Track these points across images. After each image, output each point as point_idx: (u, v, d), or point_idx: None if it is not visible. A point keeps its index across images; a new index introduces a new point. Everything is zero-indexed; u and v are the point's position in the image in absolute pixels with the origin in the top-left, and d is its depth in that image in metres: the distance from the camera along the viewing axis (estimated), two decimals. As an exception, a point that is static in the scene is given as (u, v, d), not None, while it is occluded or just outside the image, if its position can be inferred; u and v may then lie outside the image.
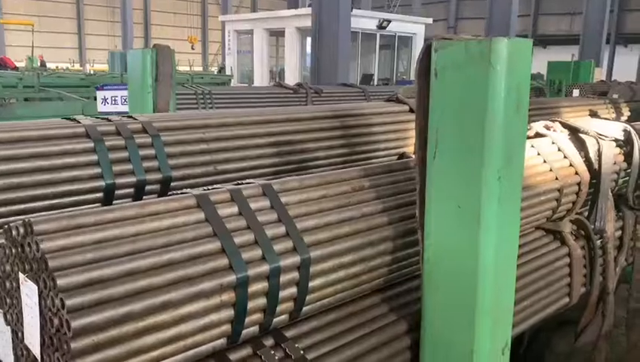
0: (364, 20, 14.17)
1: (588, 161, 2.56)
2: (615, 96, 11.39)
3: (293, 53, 14.19)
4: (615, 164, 2.79)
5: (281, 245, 1.35)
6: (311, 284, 1.40)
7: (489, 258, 1.39)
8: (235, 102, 6.01)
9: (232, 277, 1.23)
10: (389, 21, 14.14)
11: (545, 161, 2.38)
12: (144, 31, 34.30)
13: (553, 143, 2.55)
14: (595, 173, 2.55)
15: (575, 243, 2.40)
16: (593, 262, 2.50)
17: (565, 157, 2.51)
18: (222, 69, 18.01)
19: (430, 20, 15.94)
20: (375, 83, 14.76)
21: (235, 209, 1.35)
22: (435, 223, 1.48)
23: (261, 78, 15.11)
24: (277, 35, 15.64)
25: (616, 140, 2.92)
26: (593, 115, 4.39)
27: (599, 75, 16.20)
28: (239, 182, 1.51)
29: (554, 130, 2.67)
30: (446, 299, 1.48)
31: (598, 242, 2.59)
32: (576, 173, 2.48)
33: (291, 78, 13.86)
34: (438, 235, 1.47)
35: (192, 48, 26.59)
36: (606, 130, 2.92)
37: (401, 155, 2.74)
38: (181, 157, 1.90)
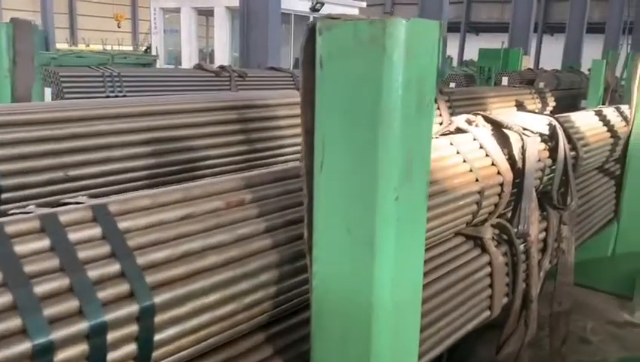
0: (296, 2, 13.75)
1: (511, 159, 2.35)
2: (541, 84, 11.69)
3: (223, 34, 13.58)
4: (540, 161, 2.61)
5: (109, 291, 1.00)
6: (158, 337, 1.07)
7: (385, 293, 1.10)
8: (148, 86, 5.49)
9: (25, 346, 0.88)
10: (323, 3, 13.80)
11: (465, 161, 2.14)
12: (68, 6, 32.13)
13: (475, 140, 2.32)
14: (519, 172, 2.34)
15: (497, 250, 2.19)
16: (516, 269, 2.30)
17: (487, 155, 2.28)
18: (148, 49, 17.06)
19: (364, 4, 15.73)
20: (309, 67, 14.39)
21: (44, 243, 0.99)
22: (322, 248, 1.17)
23: (189, 60, 14.40)
24: (206, 14, 14.94)
25: (540, 135, 2.74)
26: (519, 105, 4.27)
27: (527, 62, 16.62)
28: (64, 201, 1.14)
29: (476, 125, 2.45)
30: (336, 339, 1.19)
31: (522, 246, 2.40)
32: (499, 173, 2.26)
33: (221, 60, 13.28)
34: (326, 263, 1.17)
35: (119, 26, 25.09)
36: (530, 123, 2.73)
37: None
38: (16, 162, 1.49)
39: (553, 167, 2.69)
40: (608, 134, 3.61)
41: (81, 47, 24.15)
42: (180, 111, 1.92)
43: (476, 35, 37.00)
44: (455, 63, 22.72)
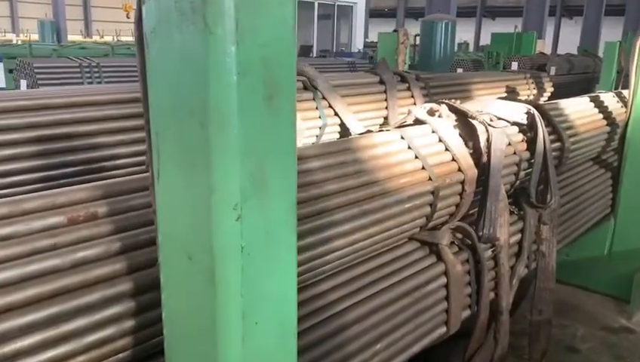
0: (301, -12, 13.42)
1: (477, 154, 2.08)
2: (553, 68, 11.22)
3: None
4: (515, 154, 2.33)
5: None
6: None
7: (233, 337, 0.86)
8: (128, 75, 5.30)
9: None
10: (327, -11, 13.45)
11: (417, 157, 1.88)
12: (82, -1, 32.09)
13: (433, 132, 2.05)
14: (486, 168, 2.07)
15: (454, 258, 1.93)
16: (480, 279, 2.04)
17: (447, 149, 2.02)
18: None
19: (371, -11, 15.31)
20: (314, 55, 14.11)
21: None
22: (166, 276, 0.94)
23: (193, 49, 14.16)
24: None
25: (518, 125, 2.46)
26: (511, 91, 3.96)
27: (542, 47, 16.09)
28: None
29: (439, 115, 2.18)
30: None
31: (489, 252, 2.13)
32: (460, 170, 2.00)
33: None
34: (171, 294, 0.94)
35: (128, 17, 24.98)
36: (507, 112, 2.45)
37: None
38: None
39: (532, 161, 2.41)
40: (604, 122, 3.30)
41: (95, 38, 24.09)
42: (83, 104, 1.69)
43: (492, 19, 36.14)
44: (472, 49, 22.18)
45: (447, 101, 2.22)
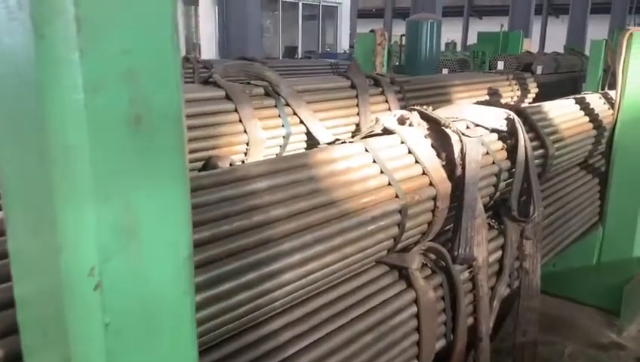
0: (284, -12, 13.24)
1: (451, 166, 1.89)
2: (539, 67, 11.13)
3: (208, 24, 13.09)
4: (494, 163, 2.14)
5: None
6: None
7: None
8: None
9: None
10: (311, -11, 13.26)
11: (382, 172, 1.68)
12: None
13: (402, 143, 1.85)
14: (461, 182, 1.88)
15: (425, 284, 1.73)
16: (456, 304, 1.84)
17: (417, 162, 1.82)
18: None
19: (357, -12, 15.13)
20: (299, 56, 13.92)
21: None
22: (27, 349, 0.73)
23: (176, 52, 13.93)
24: (193, 4, 14.45)
25: (498, 132, 2.27)
26: (493, 93, 3.78)
27: (528, 46, 15.99)
28: None
29: (410, 124, 1.98)
30: None
31: (466, 273, 1.94)
32: (432, 184, 1.80)
33: (207, 51, 12.82)
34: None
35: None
36: (486, 118, 2.26)
37: (206, 163, 1.98)
38: None
39: (513, 170, 2.22)
40: (590, 125, 3.12)
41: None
42: None
43: (480, 19, 36.14)
44: (459, 48, 22.06)
45: (418, 108, 2.03)
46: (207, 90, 2.07)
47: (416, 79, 3.13)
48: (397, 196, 1.66)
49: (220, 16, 9.48)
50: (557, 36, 29.62)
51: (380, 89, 2.79)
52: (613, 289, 3.14)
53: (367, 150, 1.71)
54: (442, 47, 22.47)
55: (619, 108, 3.05)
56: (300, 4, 13.66)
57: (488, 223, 2.23)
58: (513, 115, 2.24)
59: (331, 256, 1.42)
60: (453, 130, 1.88)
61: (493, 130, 2.26)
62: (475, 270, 1.93)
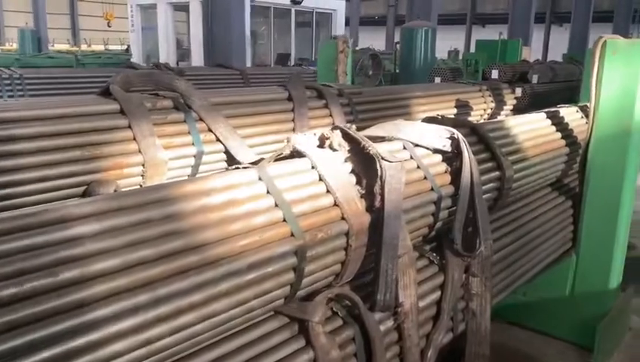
0: (277, -6, 13.02)
1: (371, 196, 1.60)
2: (535, 77, 10.83)
3: (198, 30, 12.87)
4: (432, 190, 1.86)
5: None
6: None
7: None
8: (55, 88, 4.80)
9: None
10: (304, -5, 13.04)
11: (277, 205, 1.40)
12: (69, 7, 31.46)
13: (314, 168, 1.57)
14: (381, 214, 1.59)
15: (328, 341, 1.44)
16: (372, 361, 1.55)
17: (329, 191, 1.54)
18: (129, 48, 16.37)
19: (350, -5, 14.88)
20: (292, 63, 13.68)
21: None
22: None
23: (167, 57, 13.75)
24: (185, 9, 14.27)
25: (443, 153, 1.99)
26: (463, 106, 3.50)
27: (527, 54, 15.70)
28: None
29: (330, 144, 1.70)
30: None
31: (390, 322, 1.65)
32: (344, 218, 1.52)
33: (197, 57, 12.61)
34: None
35: (109, 25, 24.42)
36: (428, 138, 1.98)
37: (86, 190, 1.70)
38: None
39: (457, 196, 1.94)
40: (563, 142, 2.84)
41: (83, 47, 23.64)
42: None
43: (482, 26, 35.85)
44: (461, 56, 21.75)
45: (342, 126, 1.75)
46: (96, 103, 1.80)
47: (369, 91, 2.85)
48: (292, 235, 1.37)
49: (205, 22, 9.23)
50: (560, 45, 29.30)
51: (324, 102, 2.52)
52: (586, 323, 2.83)
53: (260, 178, 1.43)
54: (445, 55, 22.25)
55: (593, 122, 2.75)
56: (293, 10, 13.43)
57: (427, 258, 1.95)
58: (457, 134, 1.96)
59: (186, 317, 1.14)
60: (372, 153, 1.60)
61: (435, 151, 1.98)
62: (401, 317, 1.64)
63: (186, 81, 1.99)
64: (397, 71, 13.25)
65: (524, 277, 2.54)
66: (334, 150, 1.69)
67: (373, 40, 31.77)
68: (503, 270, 2.32)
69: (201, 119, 1.98)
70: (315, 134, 1.74)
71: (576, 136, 2.95)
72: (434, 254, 1.95)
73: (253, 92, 2.34)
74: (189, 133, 1.94)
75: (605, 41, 2.66)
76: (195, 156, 1.95)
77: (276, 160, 1.65)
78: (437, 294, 1.86)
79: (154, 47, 14.71)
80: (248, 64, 12.52)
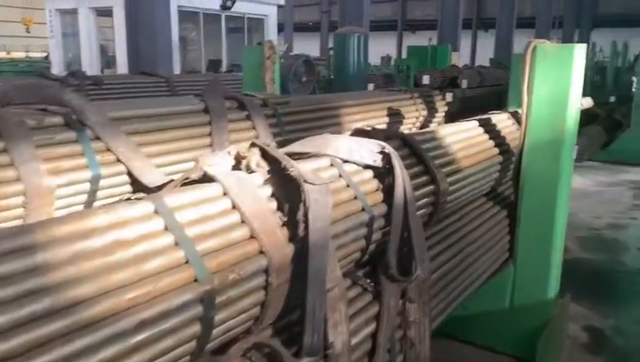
0: (206, 0, 12.62)
1: (294, 223, 1.40)
2: (464, 81, 11.09)
3: (122, 36, 12.28)
4: (364, 210, 1.68)
5: None
6: None
7: None
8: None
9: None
10: (234, 1, 12.71)
11: (177, 244, 1.17)
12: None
13: (225, 195, 1.35)
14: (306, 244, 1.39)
15: (246, 401, 1.22)
16: (299, 415, 1.34)
17: (244, 221, 1.32)
18: (48, 55, 15.43)
19: (282, 1, 14.69)
20: (224, 69, 13.32)
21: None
22: None
23: (90, 65, 13.02)
24: (109, 15, 13.58)
25: (374, 169, 1.82)
26: (394, 114, 3.37)
27: (457, 59, 16.11)
28: None
29: (247, 165, 1.49)
30: None
31: (319, 366, 1.45)
32: (262, 252, 1.30)
33: (123, 65, 12.00)
34: None
35: (28, 31, 22.99)
36: (358, 153, 1.80)
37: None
38: None
39: (390, 215, 1.77)
40: (496, 150, 2.75)
41: (2, 54, 22.11)
42: None
43: (413, 33, 36.68)
44: (393, 62, 22.08)
45: (260, 143, 1.54)
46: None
47: (297, 100, 2.65)
48: (196, 279, 1.15)
49: (129, 28, 8.77)
50: (486, 50, 30.41)
51: (246, 113, 2.30)
52: (527, 334, 2.77)
53: (157, 211, 1.19)
54: (378, 61, 22.49)
55: (525, 129, 2.69)
56: (223, 15, 13.07)
57: (360, 285, 1.77)
58: (389, 148, 1.80)
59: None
60: (293, 175, 1.40)
61: (367, 167, 1.81)
62: (332, 360, 1.44)
63: (81, 93, 1.71)
64: (332, 77, 13.21)
65: (463, 294, 2.42)
66: (251, 171, 1.48)
67: (308, 46, 31.79)
68: (442, 290, 2.18)
69: (97, 137, 1.71)
70: (229, 153, 1.52)
71: (508, 143, 2.88)
72: (367, 281, 1.77)
73: (162, 103, 2.08)
74: (82, 154, 1.66)
75: (535, 46, 2.60)
76: (90, 181, 1.68)
77: (182, 185, 1.42)
78: (372, 327, 1.68)
79: (76, 54, 13.93)
80: (177, 71, 12.07)
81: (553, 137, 2.63)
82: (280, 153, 1.49)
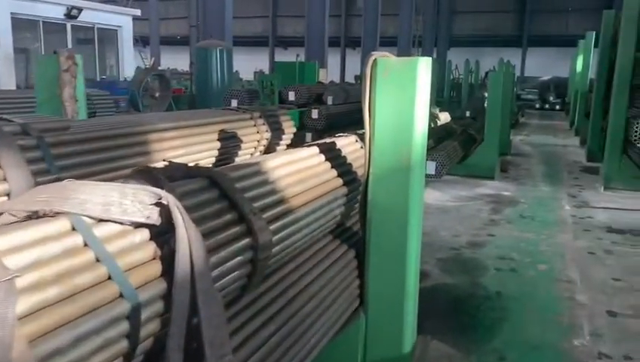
0: (48, 7, 11.27)
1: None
2: (330, 97, 10.97)
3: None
4: (121, 298, 1.12)
5: None
6: None
7: None
8: None
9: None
10: (80, 9, 11.51)
11: None
12: None
13: None
14: None
15: None
16: None
17: None
18: None
19: (138, 12, 13.67)
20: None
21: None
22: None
23: None
24: None
25: (148, 227, 1.27)
26: (229, 138, 2.86)
27: (324, 76, 16.19)
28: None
29: None
30: None
31: None
32: None
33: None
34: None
35: None
36: (122, 206, 1.25)
37: None
38: None
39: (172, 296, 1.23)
40: (340, 180, 2.35)
41: None
42: None
43: (285, 49, 36.86)
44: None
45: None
46: None
47: (85, 125, 2.02)
48: None
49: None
50: (355, 67, 31.39)
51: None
52: (383, 392, 2.38)
53: None
54: (252, 76, 21.98)
55: (370, 155, 2.32)
56: (69, 25, 11.78)
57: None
58: (168, 198, 1.26)
59: None
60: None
61: (139, 226, 1.26)
62: None
63: None
64: (190, 92, 12.44)
65: (308, 359, 1.95)
66: None
67: (180, 60, 30.47)
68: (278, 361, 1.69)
69: None
70: None
71: (355, 171, 2.51)
72: (141, 394, 1.22)
73: None
74: None
75: (375, 59, 2.23)
76: None
77: None
78: None
79: None
80: (12, 86, 10.59)
81: (400, 163, 2.28)
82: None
